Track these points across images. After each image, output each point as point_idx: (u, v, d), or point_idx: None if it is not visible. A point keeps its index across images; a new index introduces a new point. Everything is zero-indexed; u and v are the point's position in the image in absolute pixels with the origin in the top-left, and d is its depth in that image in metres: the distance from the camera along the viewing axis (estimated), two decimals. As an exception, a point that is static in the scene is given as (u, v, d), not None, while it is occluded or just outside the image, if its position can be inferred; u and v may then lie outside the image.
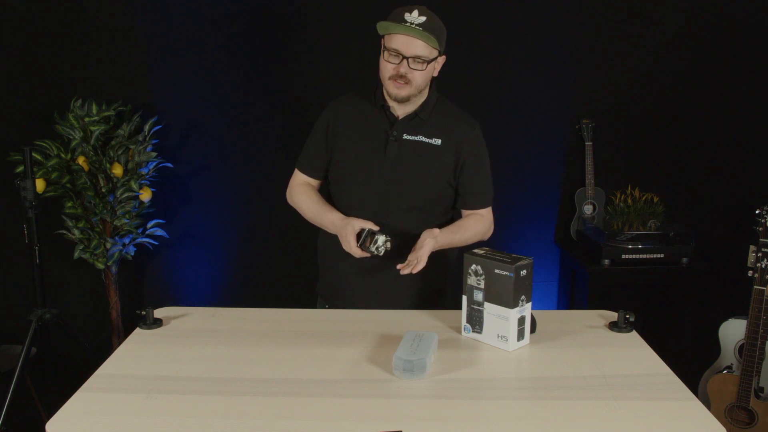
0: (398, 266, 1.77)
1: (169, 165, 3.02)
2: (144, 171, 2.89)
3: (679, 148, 3.15)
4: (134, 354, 1.62)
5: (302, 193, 2.01)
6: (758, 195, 2.95)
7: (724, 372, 2.64)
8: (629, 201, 3.05)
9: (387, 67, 1.81)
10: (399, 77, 1.79)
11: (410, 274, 1.81)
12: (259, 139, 3.08)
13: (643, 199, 3.05)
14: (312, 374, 1.50)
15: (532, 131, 3.12)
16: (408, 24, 1.76)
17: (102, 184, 2.84)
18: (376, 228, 1.80)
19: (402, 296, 1.95)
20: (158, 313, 1.84)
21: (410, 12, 1.77)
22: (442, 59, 1.88)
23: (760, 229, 2.46)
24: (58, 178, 2.76)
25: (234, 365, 1.55)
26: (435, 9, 1.85)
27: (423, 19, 1.77)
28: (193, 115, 3.06)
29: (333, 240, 1.90)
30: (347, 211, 1.94)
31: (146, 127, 2.88)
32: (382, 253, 1.79)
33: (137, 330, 1.75)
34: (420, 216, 1.92)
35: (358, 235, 1.80)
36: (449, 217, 2.03)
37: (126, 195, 2.84)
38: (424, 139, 1.89)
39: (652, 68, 3.07)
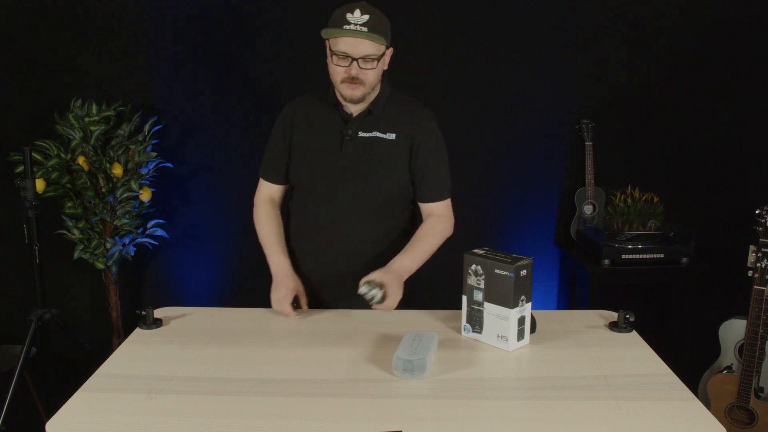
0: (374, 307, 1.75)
1: (169, 165, 3.02)
2: (144, 171, 2.89)
3: (679, 148, 3.15)
4: (134, 354, 1.62)
5: (262, 216, 2.02)
6: (758, 195, 2.96)
7: (724, 372, 2.64)
8: (629, 201, 3.06)
9: (337, 71, 1.79)
10: (351, 79, 1.77)
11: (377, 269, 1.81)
12: (259, 139, 3.06)
13: (643, 199, 3.05)
14: (312, 374, 1.50)
15: (532, 131, 3.12)
16: (352, 25, 1.72)
17: (102, 184, 2.84)
18: (304, 308, 1.87)
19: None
20: (158, 313, 1.84)
21: (351, 12, 1.74)
22: (389, 52, 1.85)
23: (760, 229, 2.46)
24: (58, 178, 2.76)
25: (234, 365, 1.55)
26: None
27: (366, 18, 1.73)
28: (193, 115, 3.06)
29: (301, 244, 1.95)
30: (308, 214, 1.95)
31: (146, 127, 2.88)
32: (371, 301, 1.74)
33: (137, 330, 1.76)
34: (382, 214, 1.92)
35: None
36: (411, 212, 2.01)
37: (126, 195, 2.84)
38: (378, 134, 1.87)
39: (652, 68, 3.07)
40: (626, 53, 3.06)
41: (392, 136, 1.88)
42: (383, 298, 1.72)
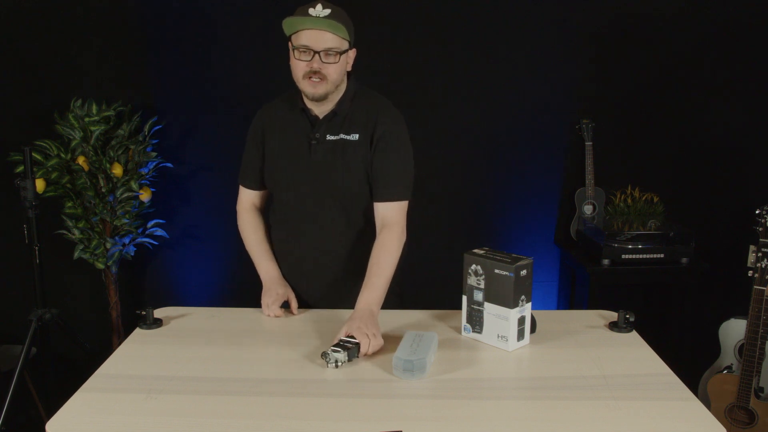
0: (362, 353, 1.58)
1: (169, 165, 3.02)
2: (144, 171, 2.89)
3: (679, 148, 3.15)
4: (134, 354, 1.62)
5: (247, 224, 2.02)
6: (758, 195, 2.95)
7: (724, 372, 2.64)
8: (629, 201, 3.06)
9: (299, 66, 1.75)
10: (313, 74, 1.74)
11: (357, 269, 1.80)
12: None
13: (643, 199, 3.05)
14: (312, 374, 1.50)
15: (532, 131, 3.12)
16: (314, 17, 1.71)
17: (102, 184, 2.84)
18: (294, 312, 1.86)
19: (350, 297, 1.80)
20: (158, 313, 1.85)
21: (313, 7, 1.73)
22: (353, 52, 1.83)
23: (760, 229, 2.46)
24: (58, 178, 2.76)
25: (234, 365, 1.55)
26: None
27: (328, 11, 1.73)
28: (193, 115, 3.06)
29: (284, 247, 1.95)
30: (284, 219, 1.94)
31: (146, 127, 2.88)
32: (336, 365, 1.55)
33: (137, 330, 1.76)
34: (354, 216, 1.89)
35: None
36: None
37: (126, 195, 2.84)
38: (344, 136, 1.84)
39: (652, 68, 3.07)
40: (626, 53, 3.06)
41: (355, 136, 1.84)
42: (353, 351, 1.55)
